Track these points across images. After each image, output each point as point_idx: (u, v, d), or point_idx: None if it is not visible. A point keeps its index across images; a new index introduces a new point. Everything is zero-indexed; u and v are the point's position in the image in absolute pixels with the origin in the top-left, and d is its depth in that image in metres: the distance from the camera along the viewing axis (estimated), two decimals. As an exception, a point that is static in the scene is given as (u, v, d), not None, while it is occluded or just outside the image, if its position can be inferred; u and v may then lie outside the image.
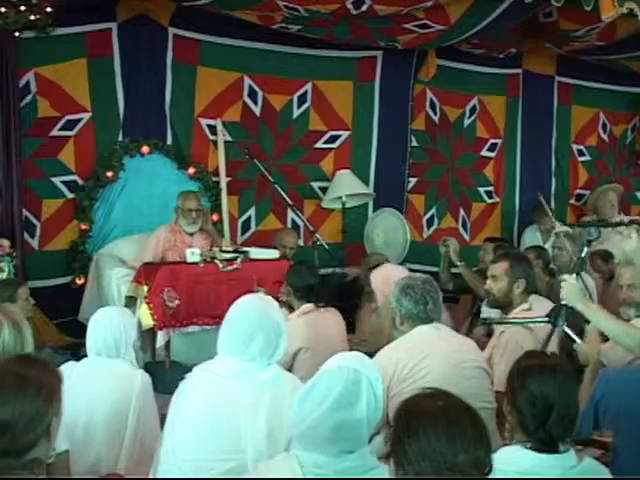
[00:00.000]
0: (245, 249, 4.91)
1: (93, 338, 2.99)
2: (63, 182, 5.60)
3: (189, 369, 2.48)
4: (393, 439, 1.67)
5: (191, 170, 5.94)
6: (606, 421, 2.48)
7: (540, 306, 4.14)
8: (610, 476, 2.11)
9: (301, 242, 6.19)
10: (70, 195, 5.62)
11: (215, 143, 6.00)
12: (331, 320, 3.90)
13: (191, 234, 5.26)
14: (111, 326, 2.97)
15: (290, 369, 3.47)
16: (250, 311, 2.43)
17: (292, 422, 1.88)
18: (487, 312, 4.42)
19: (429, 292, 3.02)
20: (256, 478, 1.90)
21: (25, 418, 1.72)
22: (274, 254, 5.01)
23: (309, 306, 3.79)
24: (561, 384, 2.07)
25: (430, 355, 2.87)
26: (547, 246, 5.83)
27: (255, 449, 2.22)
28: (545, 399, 2.04)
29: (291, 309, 3.87)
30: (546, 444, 2.01)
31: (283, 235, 5.79)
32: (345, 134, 6.65)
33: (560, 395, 2.05)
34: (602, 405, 2.48)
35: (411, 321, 3.00)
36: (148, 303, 4.56)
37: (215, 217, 5.95)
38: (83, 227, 5.61)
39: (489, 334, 4.33)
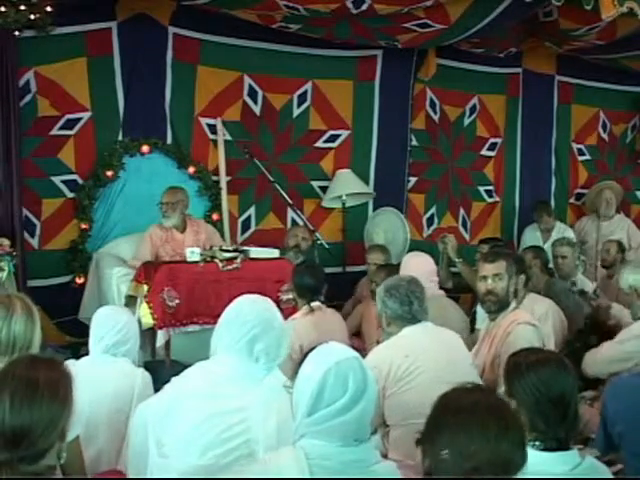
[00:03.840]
0: (245, 248, 4.90)
1: (94, 337, 3.00)
2: (63, 181, 5.59)
3: (188, 368, 2.46)
4: (423, 433, 1.66)
5: (191, 169, 5.93)
6: (615, 431, 2.43)
7: (540, 305, 4.16)
8: (610, 476, 2.11)
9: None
10: (70, 194, 5.61)
11: (215, 142, 6.00)
12: (333, 320, 3.90)
13: (182, 231, 5.27)
14: (112, 325, 2.98)
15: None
16: (257, 312, 2.35)
17: (301, 417, 1.84)
18: (482, 316, 4.39)
19: (414, 292, 3.01)
20: (259, 478, 1.89)
21: (42, 425, 1.70)
22: (274, 253, 5.01)
23: (314, 305, 3.80)
24: (573, 380, 2.05)
25: (422, 354, 2.89)
26: (546, 246, 5.82)
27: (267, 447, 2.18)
28: (562, 395, 2.00)
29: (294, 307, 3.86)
30: (561, 442, 1.98)
31: (293, 229, 5.93)
32: (345, 133, 6.64)
33: (574, 390, 2.03)
34: (610, 419, 2.43)
35: (398, 322, 3.00)
36: (148, 302, 4.55)
37: (215, 216, 5.96)
38: (83, 226, 5.60)
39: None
